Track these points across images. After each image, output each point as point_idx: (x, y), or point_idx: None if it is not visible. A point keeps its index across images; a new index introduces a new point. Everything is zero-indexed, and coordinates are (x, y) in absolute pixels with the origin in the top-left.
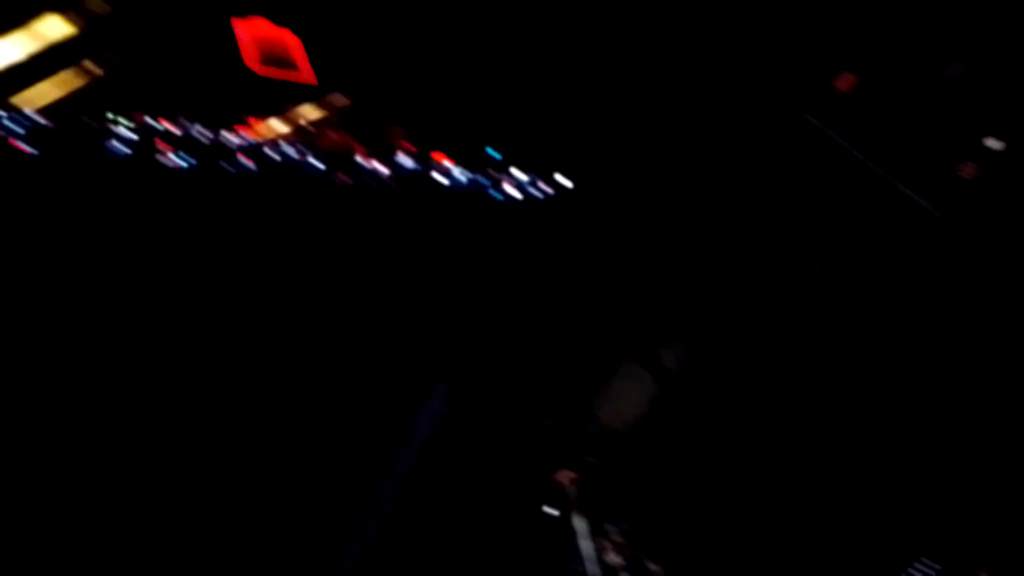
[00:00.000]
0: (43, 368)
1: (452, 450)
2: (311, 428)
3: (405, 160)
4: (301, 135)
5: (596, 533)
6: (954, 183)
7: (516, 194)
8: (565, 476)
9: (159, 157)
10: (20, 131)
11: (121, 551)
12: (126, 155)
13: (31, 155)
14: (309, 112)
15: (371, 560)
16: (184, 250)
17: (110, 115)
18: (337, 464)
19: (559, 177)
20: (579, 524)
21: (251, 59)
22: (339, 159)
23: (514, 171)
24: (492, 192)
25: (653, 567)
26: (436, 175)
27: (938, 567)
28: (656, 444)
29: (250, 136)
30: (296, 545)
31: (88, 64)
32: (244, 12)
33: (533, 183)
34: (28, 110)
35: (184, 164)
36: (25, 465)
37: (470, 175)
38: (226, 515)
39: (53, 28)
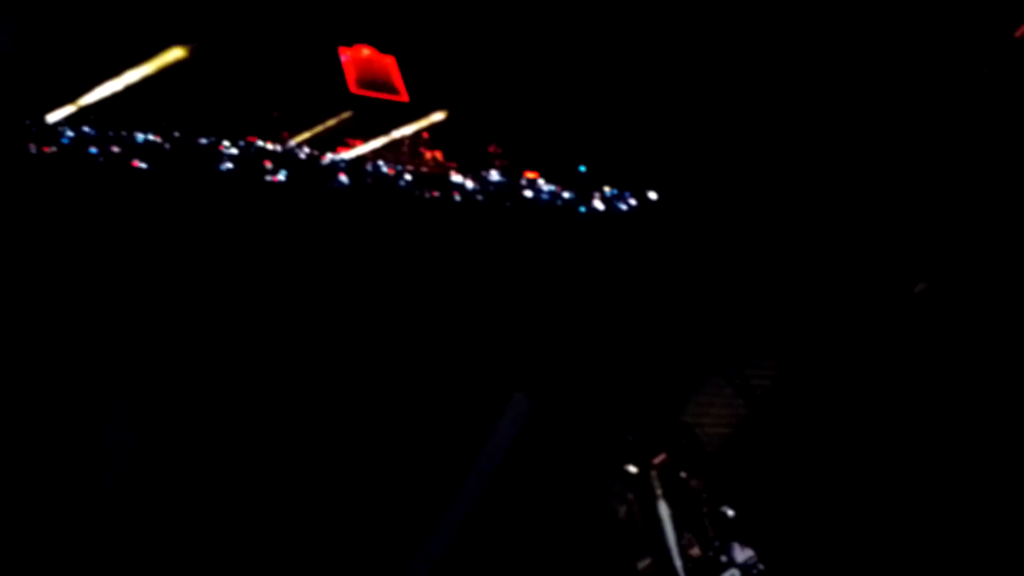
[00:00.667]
0: (141, 360)
1: (532, 458)
2: (397, 431)
3: (497, 176)
4: (397, 153)
5: (680, 527)
6: None
7: (600, 206)
8: (656, 461)
9: (264, 174)
10: (136, 148)
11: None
12: (233, 171)
13: (143, 169)
14: (406, 131)
15: (453, 557)
16: (281, 259)
17: (219, 136)
18: (422, 466)
19: (648, 190)
20: (664, 513)
21: (351, 82)
22: (432, 176)
23: (602, 185)
24: (580, 207)
25: (743, 553)
26: (526, 191)
27: None
28: (739, 461)
29: (348, 154)
30: (382, 541)
31: (202, 88)
32: (349, 40)
33: (620, 197)
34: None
35: (284, 179)
36: (127, 451)
37: (559, 190)
38: (312, 514)
39: (172, 55)
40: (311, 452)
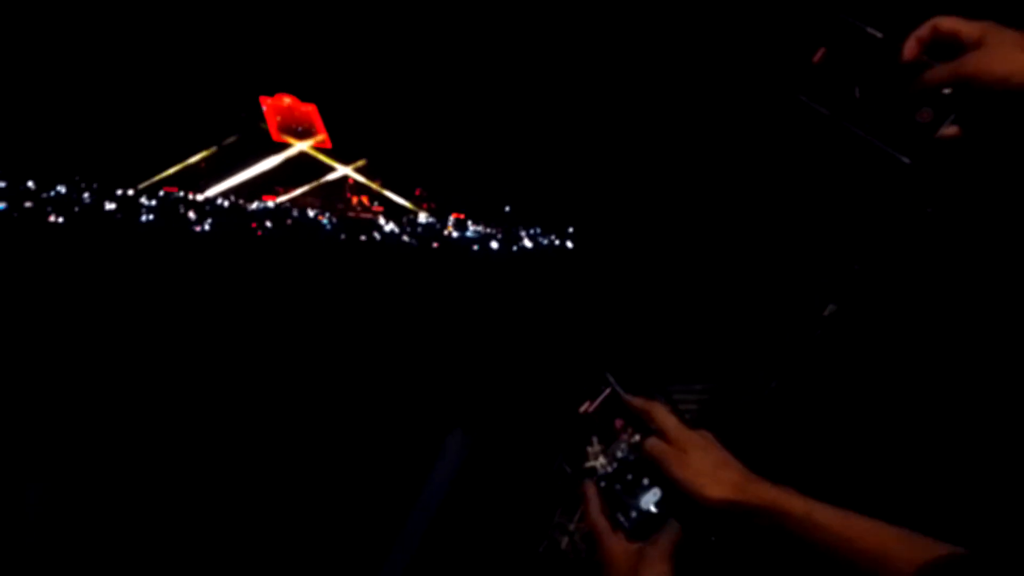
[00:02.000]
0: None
1: (473, 494)
2: (332, 470)
3: (424, 218)
4: (324, 199)
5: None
6: (916, 130)
7: (528, 244)
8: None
9: (187, 224)
10: (54, 202)
11: None
12: (153, 222)
13: (59, 223)
14: (331, 177)
15: None
16: (207, 306)
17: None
18: (359, 507)
19: (569, 226)
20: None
21: (273, 130)
22: (359, 220)
23: (527, 224)
24: (506, 244)
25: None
26: (453, 231)
27: None
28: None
29: (274, 202)
30: None
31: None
32: (271, 90)
33: (545, 234)
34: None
35: (208, 229)
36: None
37: (485, 230)
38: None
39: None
40: (249, 498)
